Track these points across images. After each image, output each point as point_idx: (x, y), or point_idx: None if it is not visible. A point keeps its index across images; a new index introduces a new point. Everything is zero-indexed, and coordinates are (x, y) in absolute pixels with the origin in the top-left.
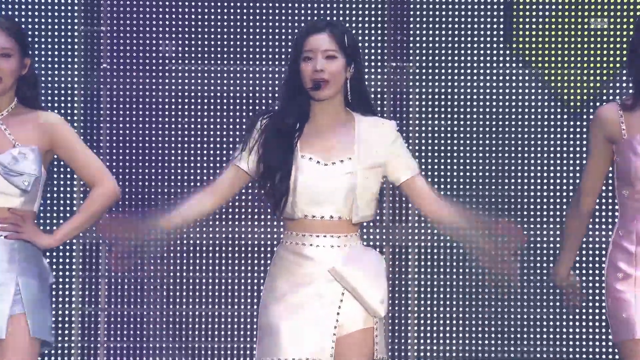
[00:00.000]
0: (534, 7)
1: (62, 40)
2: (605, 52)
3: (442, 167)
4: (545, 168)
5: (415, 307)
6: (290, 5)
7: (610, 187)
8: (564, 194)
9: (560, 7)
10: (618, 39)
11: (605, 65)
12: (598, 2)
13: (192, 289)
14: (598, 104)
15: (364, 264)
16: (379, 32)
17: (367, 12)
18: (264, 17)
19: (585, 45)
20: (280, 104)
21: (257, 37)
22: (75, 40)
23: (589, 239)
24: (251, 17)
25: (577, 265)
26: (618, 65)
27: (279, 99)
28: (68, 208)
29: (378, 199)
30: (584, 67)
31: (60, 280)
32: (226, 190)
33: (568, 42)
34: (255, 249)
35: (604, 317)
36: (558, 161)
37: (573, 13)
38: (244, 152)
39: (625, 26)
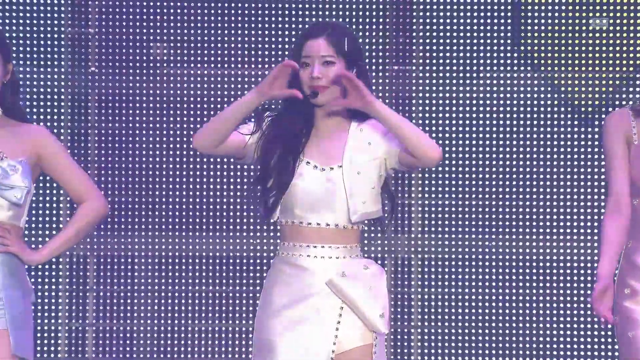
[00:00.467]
0: (543, 7)
1: (49, 42)
2: (618, 55)
3: (447, 174)
4: (555, 177)
5: (418, 322)
6: (287, 6)
7: None
8: (574, 203)
9: (570, 7)
10: (632, 42)
11: (618, 69)
12: (610, 2)
13: (184, 303)
14: (610, 109)
15: (364, 276)
16: (381, 33)
17: (368, 14)
18: (259, 19)
19: (597, 48)
20: (284, 109)
21: (253, 39)
22: (62, 42)
23: (595, 251)
24: (246, 19)
25: (582, 277)
26: (631, 68)
27: (282, 103)
28: (54, 225)
29: (388, 189)
30: (596, 71)
31: (47, 294)
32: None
33: (579, 44)
34: (251, 260)
35: (609, 334)
36: (568, 169)
37: (584, 14)
38: (254, 135)
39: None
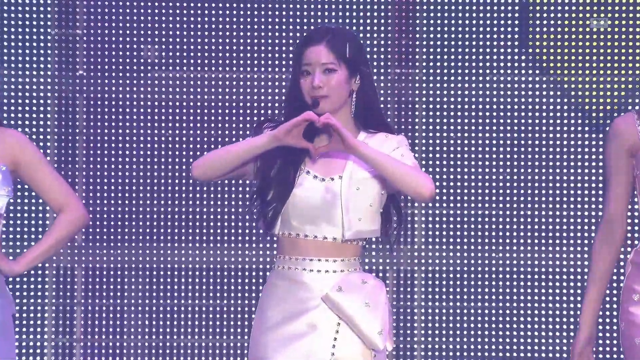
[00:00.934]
0: (552, 8)
1: (34, 44)
2: (630, 57)
3: (452, 183)
4: (566, 185)
5: (421, 337)
6: (284, 7)
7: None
8: (585, 213)
9: (580, 8)
10: None
11: (630, 72)
12: (623, 2)
13: (177, 317)
14: (623, 114)
15: (361, 291)
16: (383, 35)
17: (369, 14)
18: (255, 20)
19: (609, 51)
20: (285, 118)
21: (249, 41)
22: (49, 44)
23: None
24: (241, 20)
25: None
26: None
27: (284, 112)
28: (33, 235)
29: (396, 202)
30: (607, 74)
31: (32, 307)
32: None
33: (589, 47)
34: (246, 273)
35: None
36: (579, 177)
37: (595, 15)
38: None
39: None
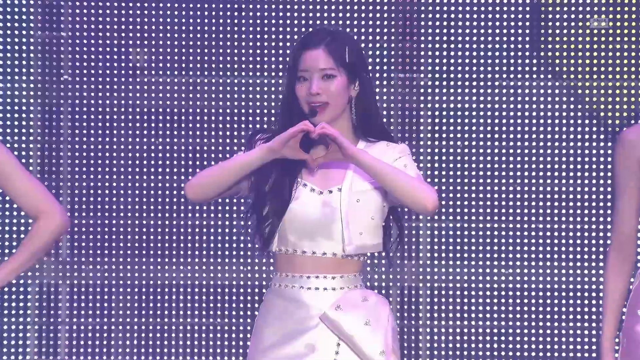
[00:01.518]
0: (565, 9)
1: (16, 47)
2: None
3: (459, 194)
4: (579, 197)
5: (427, 357)
6: (281, 7)
7: None
8: (601, 227)
9: (595, 9)
10: None
11: None
12: (627, 3)
13: (167, 337)
14: (633, 123)
15: (362, 309)
16: (386, 39)
17: (371, 16)
18: (250, 21)
19: (625, 54)
20: (280, 128)
21: (244, 44)
22: (31, 47)
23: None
24: (236, 21)
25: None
26: None
27: (278, 121)
28: (9, 243)
29: (396, 213)
30: (624, 79)
31: (13, 327)
32: None
33: (605, 50)
34: (241, 290)
35: None
36: (593, 188)
37: (611, 16)
38: None
39: None
